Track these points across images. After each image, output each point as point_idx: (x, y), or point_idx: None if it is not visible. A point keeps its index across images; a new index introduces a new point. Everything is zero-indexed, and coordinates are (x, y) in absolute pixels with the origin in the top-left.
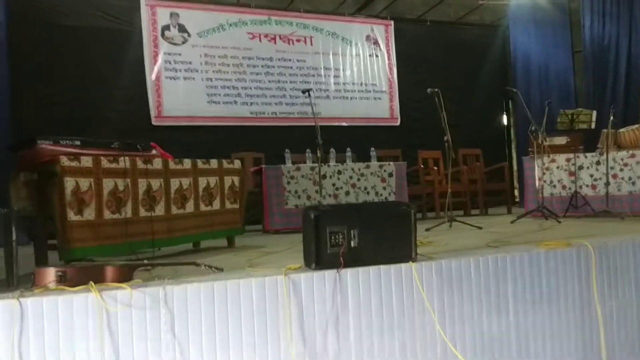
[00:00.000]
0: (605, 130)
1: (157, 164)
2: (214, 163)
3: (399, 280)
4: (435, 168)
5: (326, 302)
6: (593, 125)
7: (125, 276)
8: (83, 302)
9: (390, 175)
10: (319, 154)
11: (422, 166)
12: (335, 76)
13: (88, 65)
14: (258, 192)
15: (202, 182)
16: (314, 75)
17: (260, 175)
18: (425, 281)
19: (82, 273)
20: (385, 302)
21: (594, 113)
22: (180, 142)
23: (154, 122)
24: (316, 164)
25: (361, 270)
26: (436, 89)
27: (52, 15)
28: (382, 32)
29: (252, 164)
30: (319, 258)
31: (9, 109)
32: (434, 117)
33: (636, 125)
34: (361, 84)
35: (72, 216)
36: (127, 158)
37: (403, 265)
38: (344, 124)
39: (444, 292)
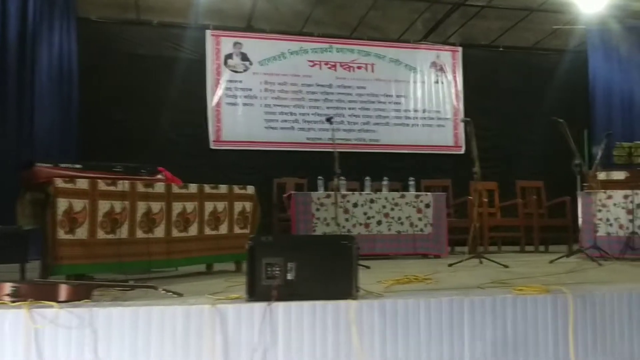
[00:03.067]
0: None
1: (160, 187)
2: (223, 188)
3: (335, 317)
4: (486, 200)
5: (254, 336)
6: None
7: (80, 295)
8: (15, 317)
9: (427, 206)
10: (335, 182)
11: (470, 197)
12: (397, 103)
13: (155, 91)
14: (288, 218)
15: (209, 206)
16: (373, 102)
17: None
18: (366, 320)
19: (35, 290)
20: (320, 340)
21: None
22: (238, 165)
23: (212, 146)
24: (349, 192)
25: (295, 305)
26: (468, 119)
27: (123, 44)
28: (449, 58)
29: (293, 189)
30: (252, 290)
31: (77, 130)
32: (502, 146)
33: None
34: (424, 110)
35: (62, 234)
36: (126, 182)
37: (342, 302)
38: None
39: (385, 333)
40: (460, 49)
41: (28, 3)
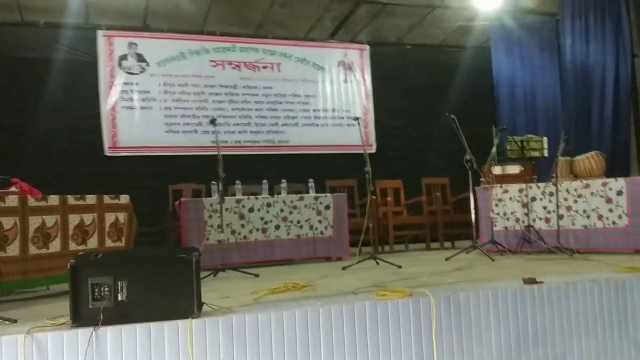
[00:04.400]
0: (557, 159)
1: (12, 201)
2: (90, 199)
3: (173, 339)
4: (389, 199)
5: None
6: (546, 153)
7: None
8: None
9: (327, 207)
10: (220, 187)
11: (373, 197)
12: (304, 103)
13: (45, 96)
14: (178, 227)
15: (74, 219)
16: (281, 102)
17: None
18: (210, 340)
19: None
20: None
21: (545, 140)
22: (137, 171)
23: (108, 153)
24: (244, 197)
25: (125, 328)
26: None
27: (8, 48)
28: (357, 57)
29: (190, 195)
30: (77, 314)
31: None
32: (413, 144)
33: (592, 153)
34: (333, 110)
35: None
36: None
37: (180, 322)
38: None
39: (233, 352)
40: (367, 47)
41: None
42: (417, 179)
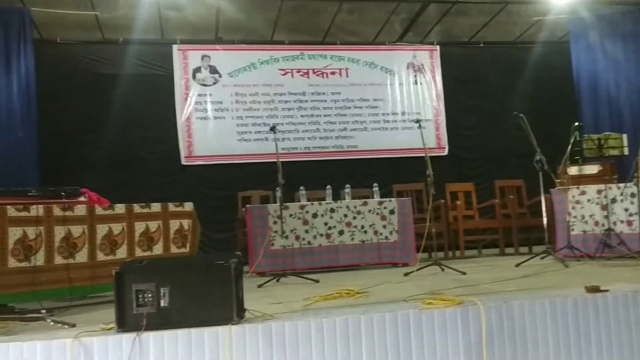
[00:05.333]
0: (638, 157)
1: (81, 210)
2: (155, 207)
3: (213, 345)
4: (459, 202)
5: None
6: (626, 151)
7: None
8: None
9: (392, 212)
10: (279, 194)
11: (441, 200)
12: (373, 107)
13: (125, 110)
14: (246, 233)
15: (140, 226)
16: (349, 108)
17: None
18: (249, 347)
19: None
20: None
21: (625, 137)
22: (211, 179)
23: (184, 162)
24: (308, 203)
25: (168, 334)
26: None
27: (88, 65)
28: (427, 58)
29: (258, 202)
30: (122, 320)
31: (39, 155)
32: (486, 145)
33: None
34: (403, 113)
35: None
36: (40, 206)
37: (220, 329)
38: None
39: (272, 359)
40: (437, 47)
41: None
42: (490, 181)
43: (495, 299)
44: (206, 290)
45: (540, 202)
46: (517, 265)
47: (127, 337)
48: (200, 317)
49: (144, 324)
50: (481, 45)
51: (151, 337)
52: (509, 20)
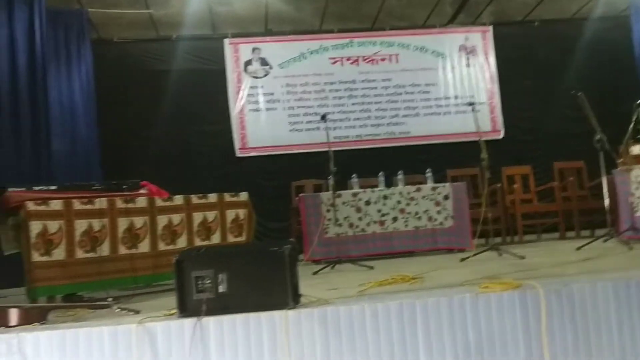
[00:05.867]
0: None
1: (142, 202)
2: (212, 197)
3: (270, 330)
4: (516, 186)
5: (185, 354)
6: None
7: (33, 318)
8: None
9: (446, 197)
10: (331, 182)
11: (498, 185)
12: (425, 92)
13: (178, 105)
14: (300, 222)
15: (198, 217)
16: (400, 94)
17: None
18: (305, 331)
19: None
20: (256, 354)
21: None
22: (265, 170)
23: (238, 154)
24: (361, 190)
25: (227, 318)
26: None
27: (144, 62)
28: (479, 39)
29: (312, 191)
30: (183, 305)
31: (100, 151)
32: (544, 127)
33: None
34: (456, 97)
35: (37, 257)
36: (103, 199)
37: (276, 313)
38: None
39: (329, 343)
40: (490, 28)
41: (36, 29)
42: (549, 164)
43: (555, 282)
44: (262, 276)
45: (601, 183)
46: (578, 248)
47: (189, 322)
48: (257, 302)
49: (204, 309)
50: (536, 23)
51: (211, 322)
52: None
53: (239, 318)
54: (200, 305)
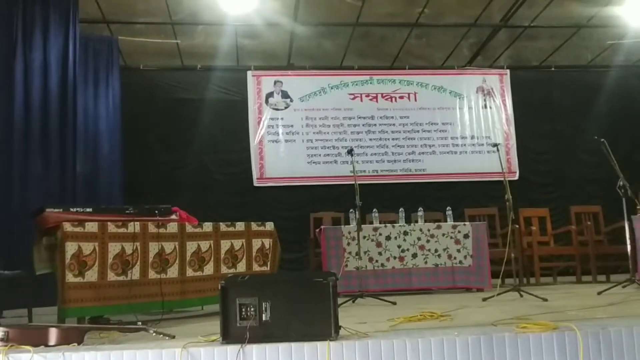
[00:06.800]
0: None
1: (172, 227)
2: (240, 226)
3: (313, 359)
4: (534, 228)
5: None
6: None
7: (71, 338)
8: None
9: (466, 236)
10: (357, 215)
11: (516, 226)
12: (442, 131)
13: (199, 133)
14: (319, 254)
15: (225, 244)
16: (418, 131)
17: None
18: None
19: (24, 334)
20: None
21: None
22: (282, 201)
23: (256, 184)
24: (381, 225)
25: (270, 346)
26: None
27: (169, 90)
28: (497, 82)
29: (330, 223)
30: (226, 332)
31: (123, 175)
32: (559, 170)
33: None
34: (472, 137)
35: (70, 278)
36: (137, 223)
37: (319, 344)
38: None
39: None
40: (507, 71)
41: (70, 54)
42: (564, 207)
43: (592, 325)
44: (305, 306)
45: (619, 228)
46: (599, 293)
47: (232, 349)
48: (300, 332)
49: (247, 337)
50: (552, 69)
51: (254, 350)
52: (580, 44)
53: (281, 347)
54: (243, 333)
